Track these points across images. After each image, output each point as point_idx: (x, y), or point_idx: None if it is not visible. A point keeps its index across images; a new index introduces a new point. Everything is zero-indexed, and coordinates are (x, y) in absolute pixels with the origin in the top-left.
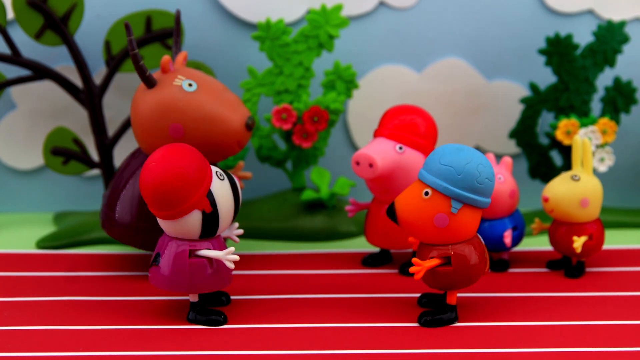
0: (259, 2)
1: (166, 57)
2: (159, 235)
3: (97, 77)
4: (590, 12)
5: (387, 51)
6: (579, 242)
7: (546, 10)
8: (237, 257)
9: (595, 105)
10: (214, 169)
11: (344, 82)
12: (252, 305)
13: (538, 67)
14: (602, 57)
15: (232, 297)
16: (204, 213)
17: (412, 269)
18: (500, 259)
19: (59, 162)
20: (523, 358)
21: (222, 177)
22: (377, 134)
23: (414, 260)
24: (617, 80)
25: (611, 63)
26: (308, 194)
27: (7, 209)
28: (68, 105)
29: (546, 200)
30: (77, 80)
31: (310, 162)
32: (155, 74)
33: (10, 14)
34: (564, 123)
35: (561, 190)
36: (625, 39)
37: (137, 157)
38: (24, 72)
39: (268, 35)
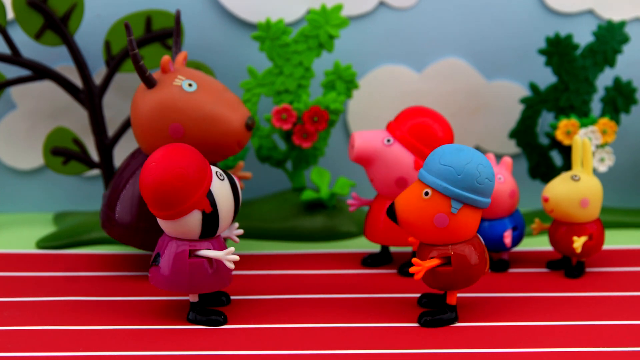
0: (259, 2)
1: (166, 57)
2: (159, 235)
3: (97, 77)
4: (590, 12)
5: (387, 51)
6: (579, 242)
7: (546, 10)
8: (237, 257)
9: (595, 106)
10: (214, 169)
11: (344, 82)
12: (252, 305)
13: (538, 67)
14: (602, 57)
15: (232, 297)
16: (204, 213)
17: (412, 269)
18: (500, 259)
19: (59, 162)
20: (523, 358)
21: (222, 177)
22: (388, 127)
23: (414, 260)
24: (617, 81)
25: (611, 63)
26: (308, 194)
27: (7, 209)
28: (68, 105)
29: (546, 200)
30: (77, 80)
31: (310, 162)
32: (155, 74)
33: (10, 14)
34: (564, 123)
35: (561, 190)
36: (625, 39)
37: (137, 157)
38: (24, 72)
39: (268, 35)
